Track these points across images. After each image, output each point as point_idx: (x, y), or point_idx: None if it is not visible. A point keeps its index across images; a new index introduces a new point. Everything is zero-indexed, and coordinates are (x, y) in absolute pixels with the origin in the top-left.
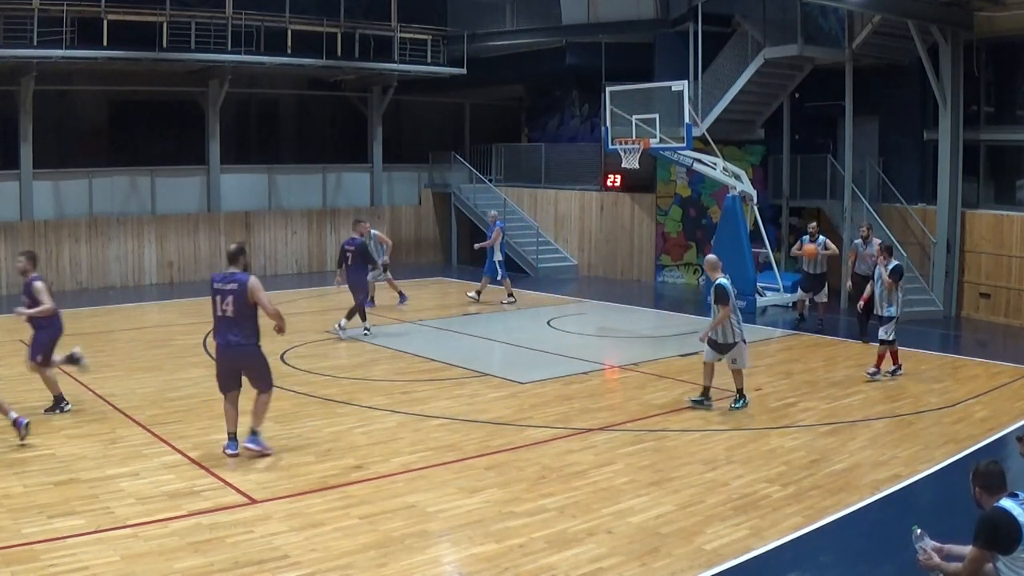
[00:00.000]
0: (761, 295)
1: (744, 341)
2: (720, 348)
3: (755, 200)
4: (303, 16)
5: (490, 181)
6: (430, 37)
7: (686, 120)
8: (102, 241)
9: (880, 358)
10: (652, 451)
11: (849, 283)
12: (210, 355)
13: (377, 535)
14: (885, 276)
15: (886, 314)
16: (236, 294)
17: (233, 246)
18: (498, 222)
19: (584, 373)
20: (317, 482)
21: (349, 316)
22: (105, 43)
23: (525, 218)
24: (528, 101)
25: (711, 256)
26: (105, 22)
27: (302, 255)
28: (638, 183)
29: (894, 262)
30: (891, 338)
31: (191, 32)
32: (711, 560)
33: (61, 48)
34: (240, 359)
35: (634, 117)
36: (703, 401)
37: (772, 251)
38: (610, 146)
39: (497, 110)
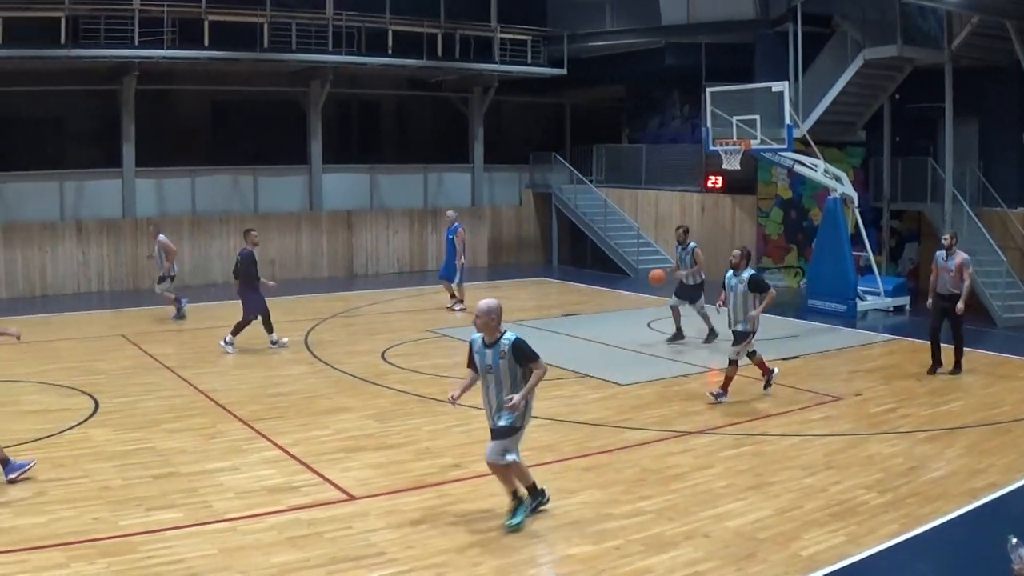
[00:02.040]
0: (862, 299)
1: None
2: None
3: (856, 203)
4: (403, 17)
5: (590, 182)
6: (530, 37)
7: (787, 121)
8: (205, 239)
9: (728, 380)
10: (751, 455)
11: (929, 301)
12: (312, 352)
13: (473, 534)
14: (735, 291)
15: (739, 329)
16: None
17: None
18: (457, 224)
19: (684, 376)
20: (415, 480)
21: (268, 331)
22: (206, 44)
23: (625, 219)
24: (629, 102)
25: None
26: (206, 23)
27: (403, 254)
28: (739, 184)
29: (751, 270)
30: (737, 359)
31: (292, 33)
32: (807, 566)
33: (162, 48)
34: None
35: (735, 118)
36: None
37: (873, 255)
38: (711, 147)
39: (598, 111)
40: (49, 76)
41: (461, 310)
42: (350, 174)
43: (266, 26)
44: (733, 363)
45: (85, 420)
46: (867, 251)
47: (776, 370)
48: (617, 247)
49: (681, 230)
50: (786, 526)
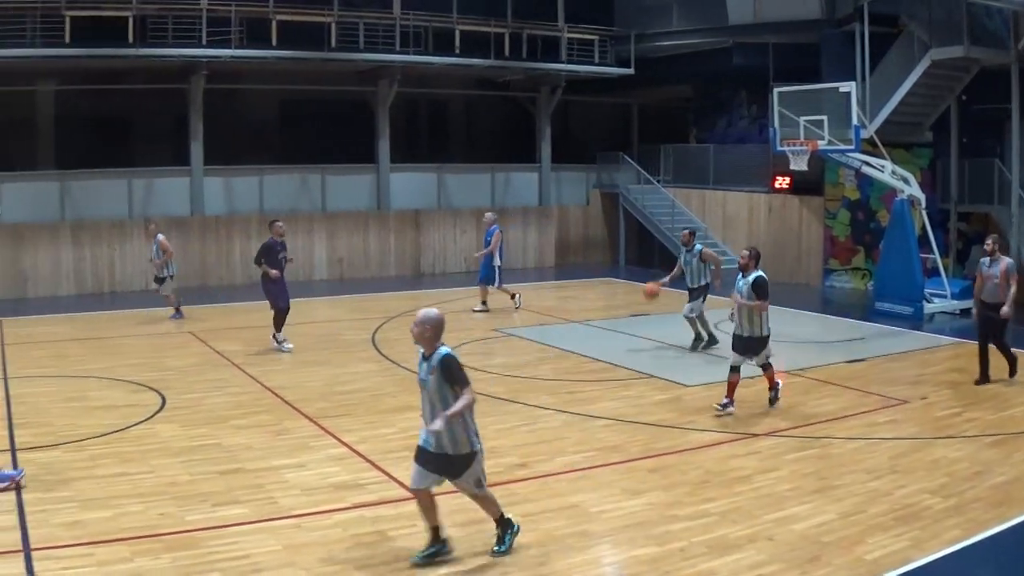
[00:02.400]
0: (929, 302)
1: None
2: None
3: (923, 204)
4: (470, 16)
5: (658, 182)
6: (597, 37)
7: (854, 122)
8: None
9: (731, 387)
10: (816, 458)
11: (974, 310)
12: (379, 350)
13: (538, 534)
14: (745, 291)
15: (744, 335)
16: None
17: None
18: (496, 226)
19: (750, 377)
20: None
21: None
22: (274, 43)
23: (693, 219)
24: (696, 101)
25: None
26: (274, 23)
27: (471, 254)
28: (806, 185)
29: (759, 272)
30: (768, 362)
31: (359, 32)
32: (871, 570)
33: (230, 48)
34: None
35: (802, 118)
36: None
37: (940, 257)
38: (778, 148)
39: (665, 110)
40: (117, 75)
41: (481, 310)
42: (418, 173)
43: (334, 26)
44: (766, 367)
45: (152, 416)
46: (934, 253)
47: (781, 383)
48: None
49: (686, 232)
50: (850, 530)
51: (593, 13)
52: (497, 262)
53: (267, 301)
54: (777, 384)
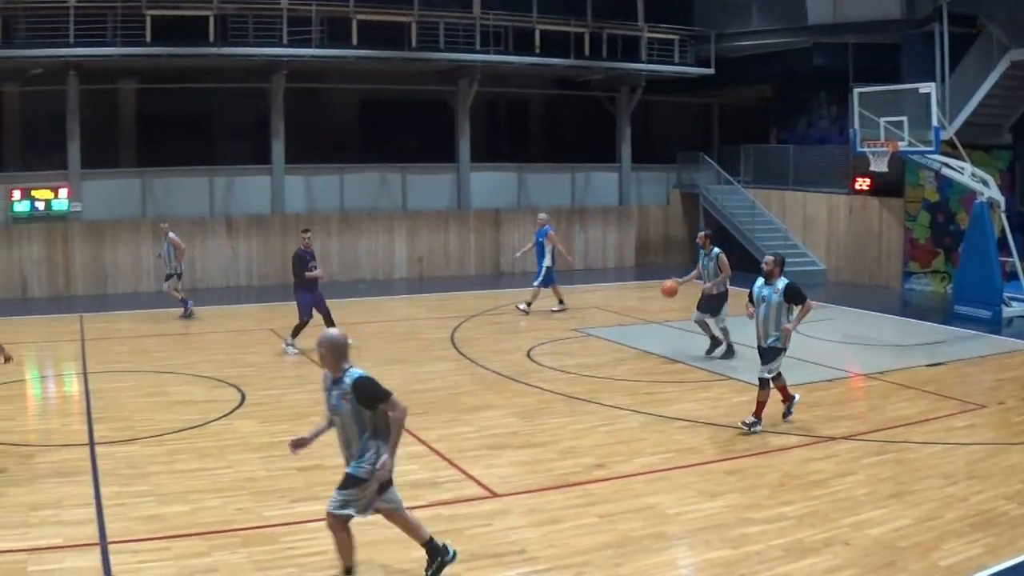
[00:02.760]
0: (1008, 305)
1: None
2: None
3: (1002, 207)
4: (550, 16)
5: (738, 182)
6: (677, 37)
7: (934, 123)
8: (353, 235)
9: (760, 405)
10: (893, 463)
11: None
12: (458, 349)
13: (615, 534)
14: (769, 301)
15: (769, 345)
16: None
17: None
18: (548, 226)
19: (829, 380)
20: (558, 479)
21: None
22: (354, 43)
23: (773, 220)
24: (776, 102)
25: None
26: (354, 22)
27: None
28: (887, 187)
29: (786, 279)
30: (770, 377)
31: (439, 32)
32: None
33: (311, 48)
34: None
35: (882, 119)
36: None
37: (1019, 260)
38: (858, 149)
39: (745, 110)
40: (199, 74)
41: (525, 312)
42: (498, 173)
43: (414, 25)
44: (765, 384)
45: (231, 412)
46: (1013, 256)
47: (797, 397)
48: (765, 249)
49: (703, 234)
50: (926, 535)
51: (673, 12)
52: (548, 263)
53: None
54: (793, 398)
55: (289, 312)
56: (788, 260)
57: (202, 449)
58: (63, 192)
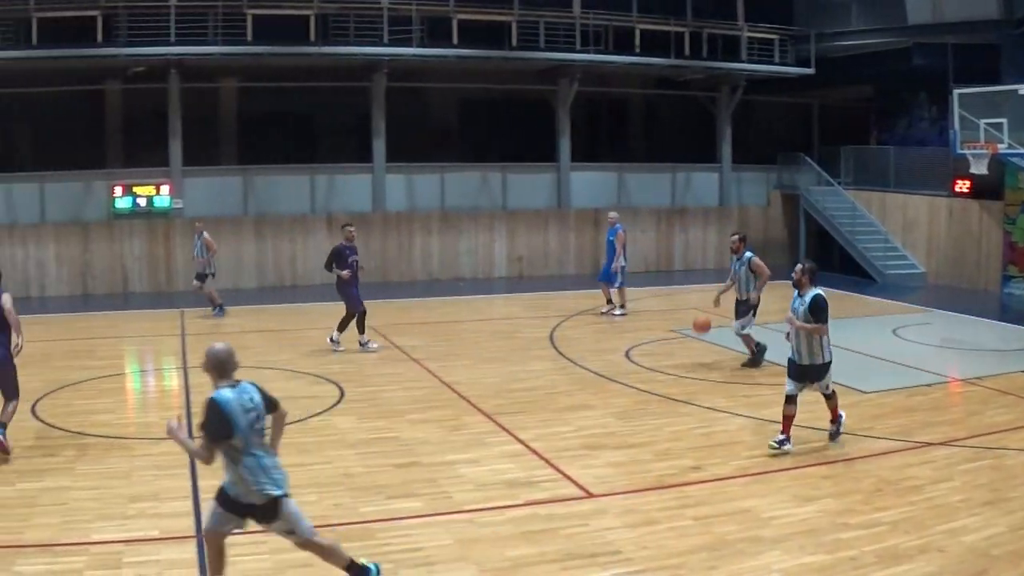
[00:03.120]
0: None
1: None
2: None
3: None
4: (650, 15)
5: (838, 183)
6: (777, 37)
7: None
8: (453, 234)
9: (786, 421)
10: (990, 469)
11: None
12: (557, 349)
13: (710, 537)
14: (797, 314)
15: (805, 364)
16: None
17: None
18: (619, 225)
19: (927, 385)
20: (654, 480)
21: (340, 327)
22: (455, 42)
23: (873, 222)
24: (876, 102)
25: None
26: (455, 21)
27: (650, 253)
28: (986, 189)
29: (817, 290)
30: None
31: (540, 31)
32: None
33: (411, 47)
34: None
35: (982, 121)
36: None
37: None
38: (958, 150)
39: (845, 111)
40: (300, 73)
41: (622, 315)
42: (598, 172)
43: (514, 25)
44: (829, 396)
45: (330, 408)
46: None
47: (844, 416)
48: (865, 251)
49: (736, 238)
50: (1020, 543)
51: (772, 12)
52: (621, 263)
53: (343, 303)
54: (840, 417)
55: (389, 309)
56: (888, 263)
57: (300, 444)
58: (165, 189)
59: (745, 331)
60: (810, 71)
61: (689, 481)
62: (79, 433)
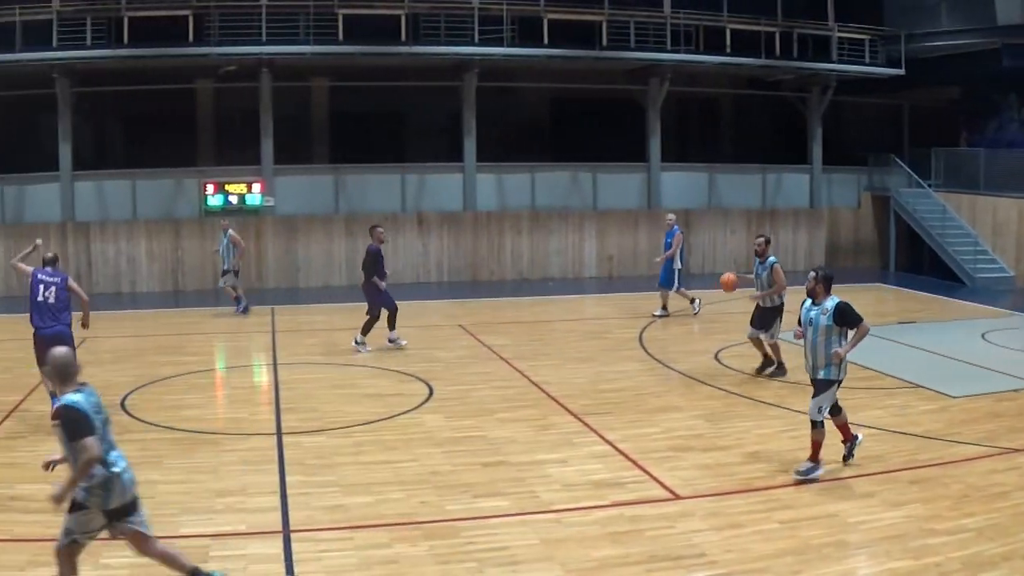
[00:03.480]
0: None
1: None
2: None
3: None
4: (740, 15)
5: (928, 185)
6: (867, 37)
7: None
8: (543, 234)
9: (816, 446)
10: None
11: None
12: (645, 349)
13: (796, 541)
14: (816, 326)
15: (820, 377)
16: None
17: (49, 255)
18: (676, 227)
19: (1015, 390)
20: (741, 483)
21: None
22: (545, 42)
23: (963, 225)
24: (966, 104)
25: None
26: (545, 21)
27: (740, 255)
28: None
29: (836, 298)
30: (820, 418)
31: (630, 31)
32: None
33: (502, 47)
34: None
35: None
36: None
37: None
38: None
39: (935, 112)
40: (391, 72)
41: (663, 316)
42: (688, 172)
43: (605, 24)
44: (818, 425)
45: (419, 406)
46: None
47: (860, 437)
48: (954, 254)
49: (761, 240)
50: None
51: (863, 11)
52: (678, 265)
53: (367, 303)
54: (855, 438)
55: (479, 308)
56: (977, 266)
57: (388, 442)
58: (256, 187)
59: (773, 339)
60: (900, 72)
61: (776, 484)
62: (168, 428)
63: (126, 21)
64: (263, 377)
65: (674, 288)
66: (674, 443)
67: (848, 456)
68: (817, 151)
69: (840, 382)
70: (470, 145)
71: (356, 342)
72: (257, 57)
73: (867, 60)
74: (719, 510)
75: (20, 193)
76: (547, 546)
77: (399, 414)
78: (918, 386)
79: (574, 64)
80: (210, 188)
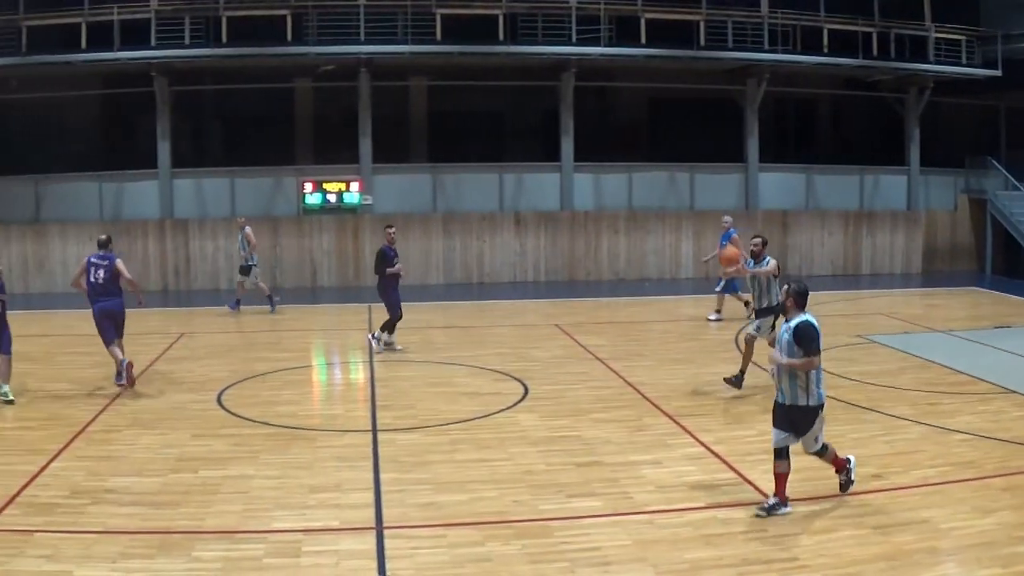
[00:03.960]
0: None
1: (822, 407)
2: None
3: None
4: (838, 15)
5: None
6: (964, 37)
7: None
8: (640, 234)
9: (779, 480)
10: None
11: None
12: (741, 351)
13: (888, 547)
14: (781, 344)
15: (785, 402)
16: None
17: (103, 236)
18: (732, 229)
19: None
20: (835, 487)
21: (383, 328)
22: (643, 41)
23: None
24: None
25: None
26: (642, 20)
27: (837, 256)
28: None
29: (804, 316)
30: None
31: (728, 31)
32: None
33: (599, 46)
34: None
35: None
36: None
37: None
38: None
39: None
40: (488, 72)
41: (718, 320)
42: (786, 173)
43: (702, 24)
44: (821, 452)
45: (514, 405)
46: None
47: (853, 460)
48: None
49: (758, 241)
50: None
51: (960, 11)
52: (732, 268)
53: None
54: (848, 463)
55: (575, 308)
56: None
57: (482, 440)
58: (354, 186)
59: (756, 336)
60: (997, 73)
61: (869, 489)
62: (263, 423)
63: (224, 20)
64: (359, 374)
65: (720, 289)
66: (768, 446)
67: (847, 484)
68: (915, 153)
69: (822, 407)
70: (567, 145)
71: (374, 338)
72: (355, 57)
73: (964, 61)
74: (812, 514)
75: (120, 190)
76: (639, 547)
77: (494, 413)
78: (1012, 391)
79: (671, 64)
80: (308, 186)
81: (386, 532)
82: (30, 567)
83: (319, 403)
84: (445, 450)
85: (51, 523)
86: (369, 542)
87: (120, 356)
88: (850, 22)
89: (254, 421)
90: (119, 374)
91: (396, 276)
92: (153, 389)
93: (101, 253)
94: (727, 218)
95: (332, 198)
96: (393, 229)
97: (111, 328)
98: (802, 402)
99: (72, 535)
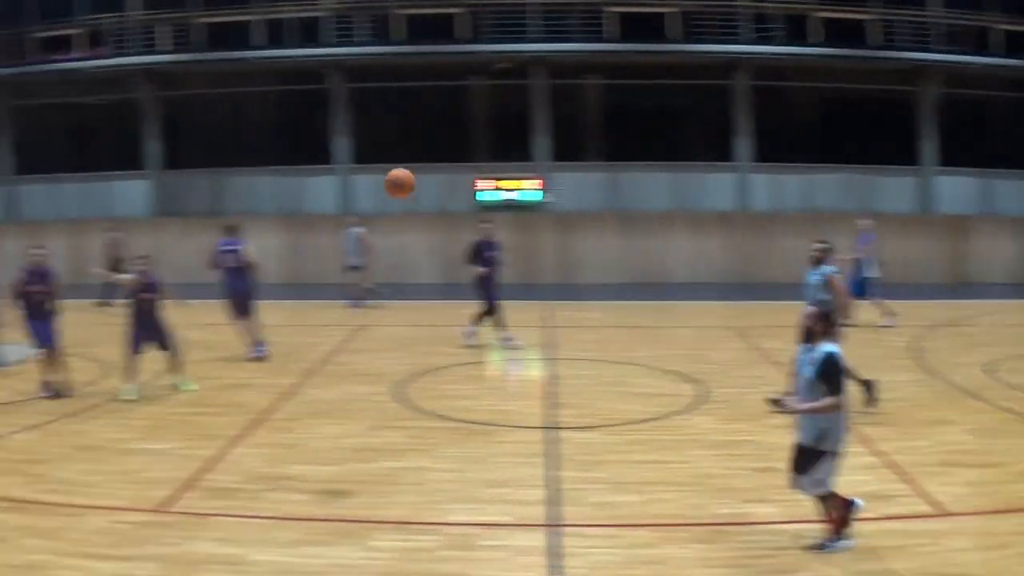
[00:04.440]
0: None
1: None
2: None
3: None
4: (1010, 15)
5: None
6: None
7: None
8: (816, 236)
9: (835, 523)
10: None
11: None
12: (916, 359)
13: None
14: (811, 369)
15: (805, 443)
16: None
17: (231, 223)
18: (871, 233)
19: None
20: (1009, 502)
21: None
22: (816, 40)
23: None
24: None
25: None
26: (810, 19)
27: (1014, 263)
28: None
29: (831, 347)
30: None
31: (901, 31)
32: None
33: (771, 45)
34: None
35: None
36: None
37: None
38: None
39: None
40: (662, 70)
41: (891, 325)
42: (962, 177)
43: (876, 24)
44: (828, 496)
45: (691, 407)
46: None
47: (857, 502)
48: None
49: (819, 246)
50: None
51: None
52: (873, 272)
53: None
54: (843, 526)
55: (752, 310)
56: None
57: (660, 442)
58: (531, 183)
59: None
60: None
61: None
62: (441, 416)
63: (397, 19)
64: (537, 371)
65: (872, 297)
66: (944, 458)
67: (833, 542)
68: None
69: (836, 454)
70: (743, 145)
71: (466, 332)
72: (529, 55)
73: None
74: (985, 529)
75: (298, 185)
76: (813, 556)
77: (671, 414)
78: None
79: (845, 64)
80: (485, 184)
81: (561, 530)
82: (205, 549)
83: (497, 399)
84: (622, 450)
85: (228, 507)
86: (540, 539)
87: (253, 334)
88: (1021, 23)
89: (432, 414)
90: (255, 346)
91: (487, 271)
92: (331, 380)
93: (227, 239)
94: (866, 221)
95: (509, 195)
96: (489, 224)
97: (239, 307)
98: (808, 441)
99: (249, 519)
